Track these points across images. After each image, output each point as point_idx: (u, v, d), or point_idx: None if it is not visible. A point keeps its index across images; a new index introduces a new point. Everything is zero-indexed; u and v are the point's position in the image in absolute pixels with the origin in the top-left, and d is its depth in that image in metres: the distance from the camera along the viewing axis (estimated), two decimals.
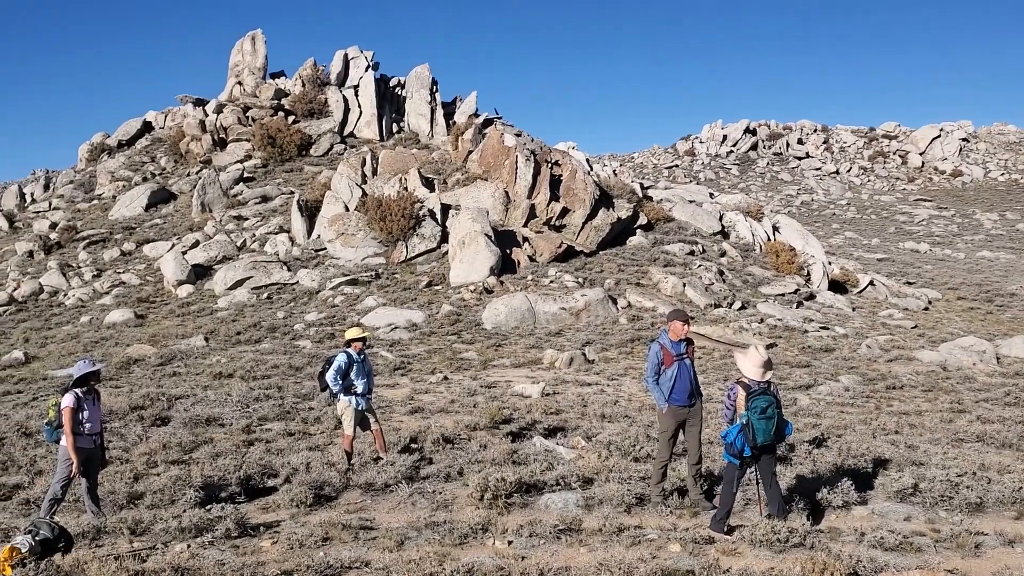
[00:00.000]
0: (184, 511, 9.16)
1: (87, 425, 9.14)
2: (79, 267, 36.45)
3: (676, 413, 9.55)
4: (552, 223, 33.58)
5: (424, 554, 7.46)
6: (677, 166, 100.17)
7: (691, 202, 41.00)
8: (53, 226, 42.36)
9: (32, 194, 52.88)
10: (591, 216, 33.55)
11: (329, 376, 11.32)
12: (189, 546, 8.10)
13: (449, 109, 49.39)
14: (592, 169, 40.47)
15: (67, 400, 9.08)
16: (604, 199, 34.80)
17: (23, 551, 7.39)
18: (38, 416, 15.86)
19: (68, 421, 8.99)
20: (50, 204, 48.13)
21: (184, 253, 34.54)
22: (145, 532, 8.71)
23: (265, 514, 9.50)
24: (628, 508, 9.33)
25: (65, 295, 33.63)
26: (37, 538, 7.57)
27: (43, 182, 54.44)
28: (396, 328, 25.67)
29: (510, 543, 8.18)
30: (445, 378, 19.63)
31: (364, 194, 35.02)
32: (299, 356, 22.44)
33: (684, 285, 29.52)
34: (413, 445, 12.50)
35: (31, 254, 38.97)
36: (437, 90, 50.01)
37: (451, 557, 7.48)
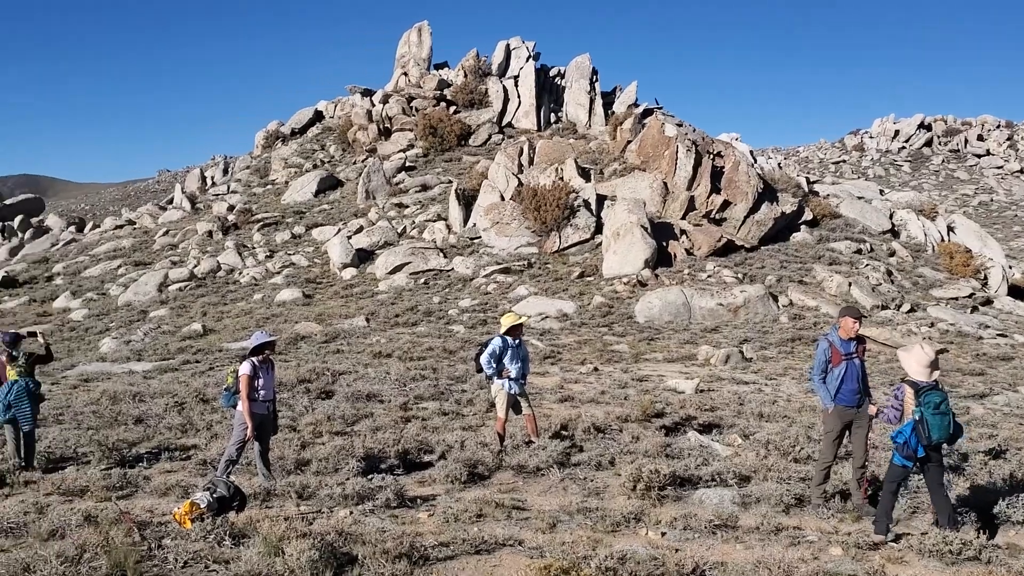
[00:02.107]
0: (347, 479, 9.55)
1: (261, 392, 9.66)
2: (253, 248, 38.58)
3: (842, 413, 9.17)
4: (711, 216, 32.84)
5: (577, 538, 7.46)
6: (844, 161, 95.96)
7: (859, 198, 39.14)
8: (231, 208, 45.02)
9: (212, 178, 56.46)
10: (753, 210, 32.60)
11: (483, 359, 11.49)
12: (351, 512, 8.42)
13: (608, 99, 49.14)
14: (755, 161, 39.32)
15: (244, 368, 9.61)
16: (767, 193, 33.72)
17: (202, 506, 7.88)
18: (214, 384, 16.90)
19: (244, 387, 9.52)
20: (228, 187, 51.18)
21: (349, 238, 35.96)
22: (311, 497, 9.13)
23: (421, 487, 9.76)
24: (786, 508, 9.02)
25: (240, 273, 35.66)
26: (215, 495, 8.06)
27: (222, 167, 58.00)
28: (547, 318, 25.81)
29: (663, 534, 8.07)
30: (595, 369, 19.58)
31: (520, 183, 35.35)
32: (453, 340, 22.92)
33: (850, 285, 28.26)
34: (564, 432, 12.53)
35: (210, 234, 41.54)
36: (597, 80, 49.84)
37: (603, 543, 7.45)
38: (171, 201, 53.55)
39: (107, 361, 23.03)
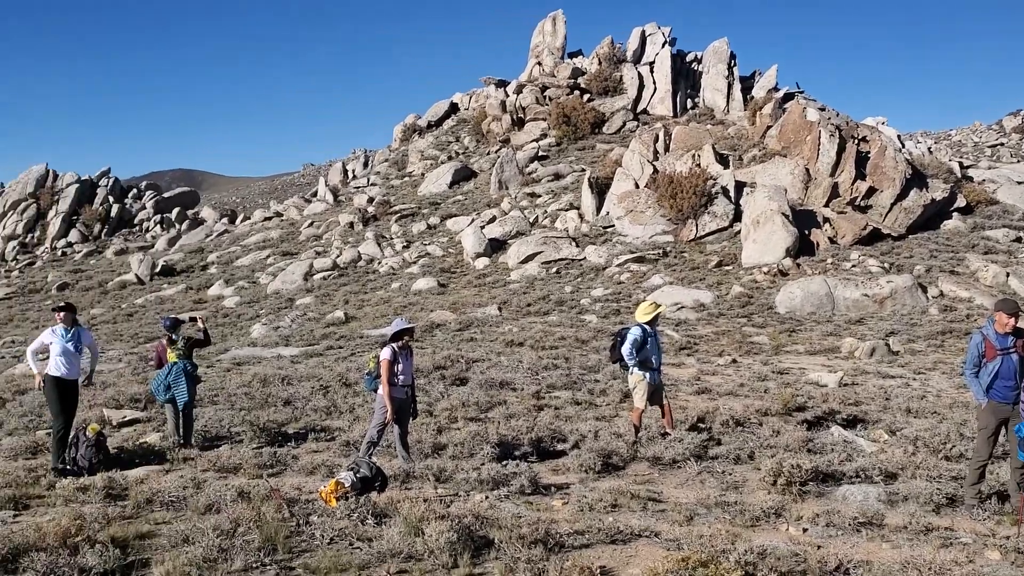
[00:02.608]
0: (482, 464, 9.70)
1: (401, 377, 9.92)
2: (391, 238, 39.68)
3: (997, 410, 8.66)
4: (856, 203, 31.52)
5: (715, 531, 7.32)
6: (1002, 144, 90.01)
7: (1020, 183, 36.67)
8: (370, 200, 46.41)
9: (353, 171, 58.30)
10: (901, 196, 31.09)
11: (625, 350, 11.37)
12: (487, 497, 8.55)
13: (747, 84, 47.84)
14: (903, 146, 37.47)
15: (385, 353, 9.90)
16: (916, 178, 32.08)
17: (346, 486, 8.17)
18: (356, 369, 17.48)
19: (385, 372, 9.81)
20: (368, 180, 52.74)
21: (482, 228, 36.44)
22: (448, 480, 9.32)
23: (555, 476, 9.80)
24: (937, 508, 8.57)
25: (379, 263, 36.75)
26: (358, 475, 8.34)
27: (363, 160, 59.83)
28: (682, 308, 25.41)
29: (804, 531, 7.80)
30: (734, 361, 19.14)
31: (655, 171, 34.90)
32: (585, 330, 22.88)
33: (1007, 275, 26.56)
34: (701, 425, 12.31)
35: (351, 225, 42.97)
36: (735, 64, 48.60)
37: (742, 537, 7.27)
38: (315, 194, 55.69)
39: (257, 346, 24.17)
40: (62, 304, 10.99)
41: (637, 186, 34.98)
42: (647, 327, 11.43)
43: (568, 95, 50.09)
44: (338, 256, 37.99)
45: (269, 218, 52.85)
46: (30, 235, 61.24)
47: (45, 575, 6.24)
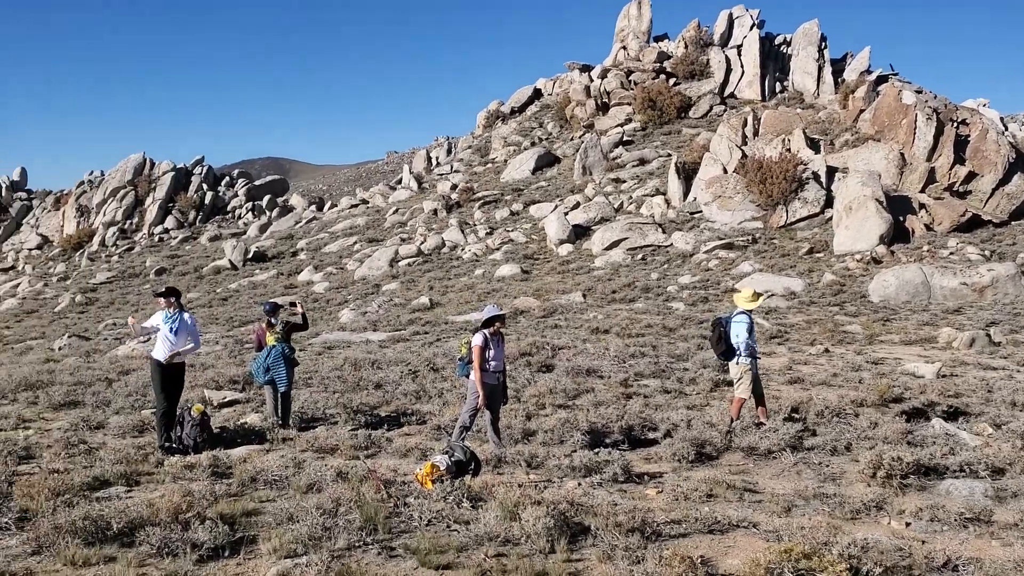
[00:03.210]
0: (573, 452, 9.72)
1: (492, 363, 9.99)
2: (475, 225, 39.93)
3: None
4: (954, 189, 30.42)
5: (815, 523, 7.19)
6: None
7: None
8: (453, 187, 46.78)
9: (437, 158, 58.81)
10: (1003, 181, 29.87)
11: (743, 337, 11.18)
12: (580, 484, 8.57)
13: (838, 66, 46.54)
14: (1006, 129, 35.96)
15: (476, 339, 9.98)
16: (1020, 162, 30.74)
17: (441, 469, 8.29)
18: (442, 355, 17.70)
19: (477, 357, 9.89)
20: (451, 167, 53.16)
21: (565, 214, 36.38)
22: (539, 466, 9.37)
23: (647, 464, 9.76)
24: None
25: (462, 249, 37.05)
26: (452, 459, 8.46)
27: (446, 147, 60.28)
28: (772, 295, 24.93)
29: (907, 525, 7.60)
30: (826, 350, 18.71)
31: (743, 156, 34.27)
32: (672, 317, 22.65)
33: None
34: (795, 415, 12.08)
35: (435, 212, 43.40)
36: (826, 47, 47.32)
37: (843, 530, 7.12)
38: (400, 181, 56.42)
39: (346, 330, 24.67)
40: (164, 289, 11.38)
41: (725, 171, 34.40)
42: (751, 315, 11.28)
43: (653, 79, 49.51)
44: (422, 243, 38.43)
45: (355, 205, 53.79)
46: (129, 221, 63.64)
47: (160, 549, 6.52)
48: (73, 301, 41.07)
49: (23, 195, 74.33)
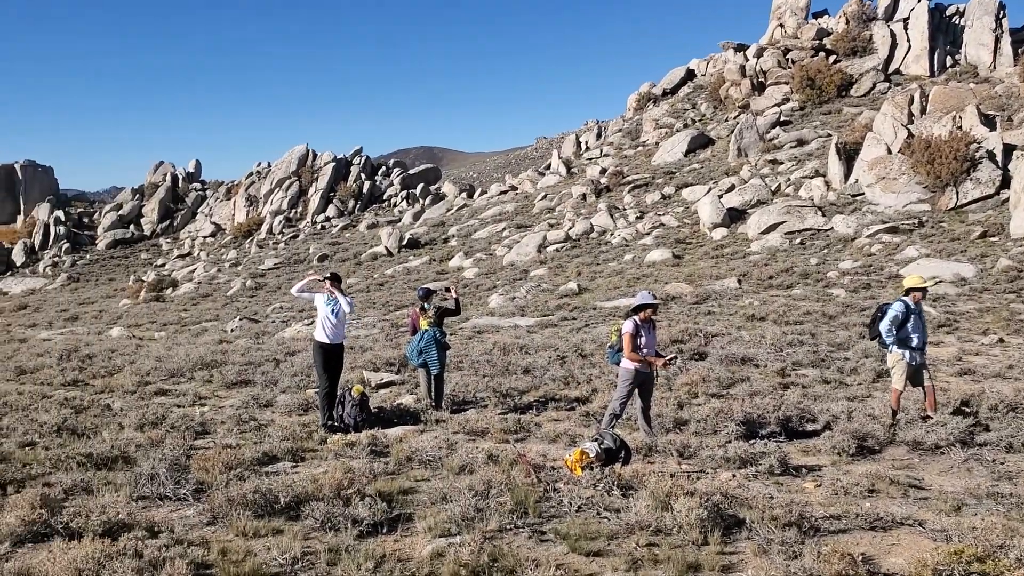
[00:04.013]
0: (728, 442, 9.48)
1: (644, 351, 9.88)
2: (624, 209, 39.61)
3: None
4: None
5: (988, 524, 6.73)
6: None
7: None
8: (603, 171, 46.54)
9: (586, 142, 58.64)
10: None
11: (883, 326, 10.68)
12: (734, 476, 8.37)
13: (1017, 36, 43.28)
14: None
15: (627, 326, 9.89)
16: None
17: (591, 456, 8.29)
18: (591, 340, 17.69)
19: (627, 344, 9.81)
20: (601, 151, 52.89)
21: (720, 197, 35.52)
22: (692, 456, 9.21)
23: (805, 457, 9.41)
24: None
25: (611, 234, 36.83)
26: (602, 446, 8.44)
27: (595, 131, 60.00)
28: (940, 282, 23.50)
29: None
30: (1000, 340, 17.46)
31: (909, 135, 32.42)
32: (832, 304, 21.74)
33: None
34: (965, 408, 11.34)
35: (584, 197, 43.32)
36: (1004, 16, 44.05)
37: (1020, 533, 6.64)
38: (548, 167, 56.65)
39: (495, 315, 25.04)
40: (329, 274, 11.89)
41: (889, 151, 32.66)
42: (911, 303, 10.66)
43: (812, 57, 47.55)
44: (571, 228, 38.45)
45: (504, 192, 54.43)
46: (293, 210, 66.88)
47: (323, 523, 6.83)
48: (243, 285, 43.59)
49: (198, 186, 79.46)
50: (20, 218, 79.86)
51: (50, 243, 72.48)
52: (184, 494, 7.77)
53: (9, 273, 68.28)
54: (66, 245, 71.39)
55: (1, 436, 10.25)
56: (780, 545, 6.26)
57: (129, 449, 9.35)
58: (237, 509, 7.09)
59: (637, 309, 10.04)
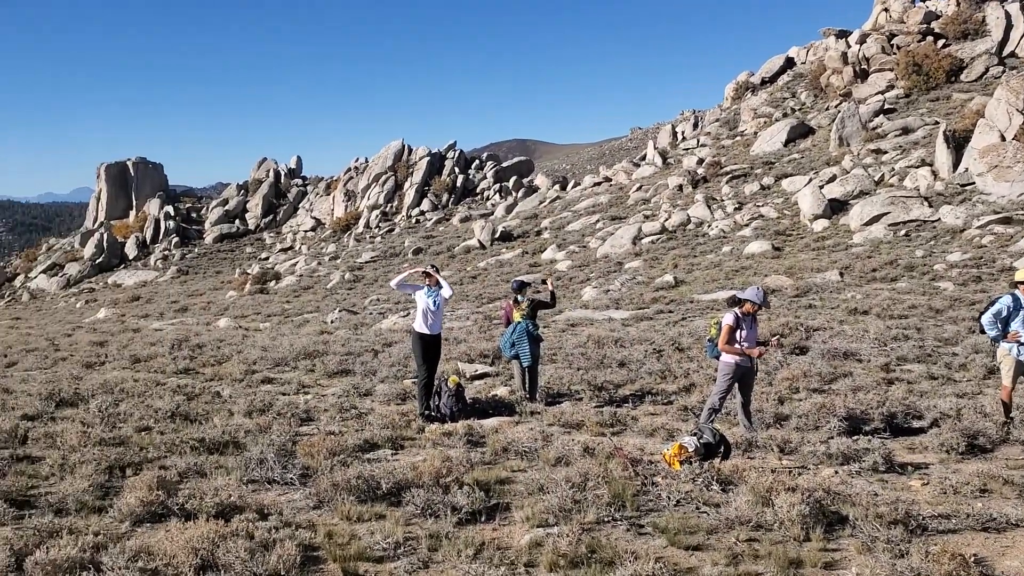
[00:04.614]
0: (830, 438, 9.28)
1: (744, 344, 9.72)
2: (722, 200, 38.94)
3: None
4: None
5: None
6: None
7: None
8: (700, 162, 45.85)
9: (682, 132, 57.87)
10: None
11: (986, 319, 10.24)
12: (836, 472, 8.18)
13: None
14: None
15: (727, 319, 9.75)
16: None
17: (690, 450, 8.23)
18: (688, 334, 17.49)
19: (724, 336, 9.68)
20: (698, 141, 52.12)
21: (821, 187, 34.57)
22: (793, 452, 9.03)
23: (911, 454, 9.13)
24: None
25: (709, 226, 36.27)
26: (701, 440, 8.36)
27: (692, 121, 59.17)
28: None
29: None
30: None
31: None
32: (939, 298, 20.94)
33: None
34: None
35: (680, 188, 42.77)
36: None
37: None
38: (643, 158, 56.16)
39: (588, 308, 24.99)
40: (431, 267, 12.09)
41: (1003, 138, 31.18)
42: (1021, 296, 10.18)
43: (919, 42, 45.74)
44: (666, 219, 38.01)
45: (598, 183, 54.19)
46: (389, 204, 68.07)
47: (424, 509, 6.99)
48: (342, 278, 44.64)
49: (299, 182, 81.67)
50: (132, 213, 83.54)
51: (160, 237, 75.64)
52: (291, 478, 8.05)
53: (123, 266, 71.58)
54: (175, 239, 74.39)
55: (119, 421, 10.78)
56: (885, 543, 6.11)
57: (239, 435, 9.73)
58: (341, 494, 7.31)
59: (740, 302, 9.90)
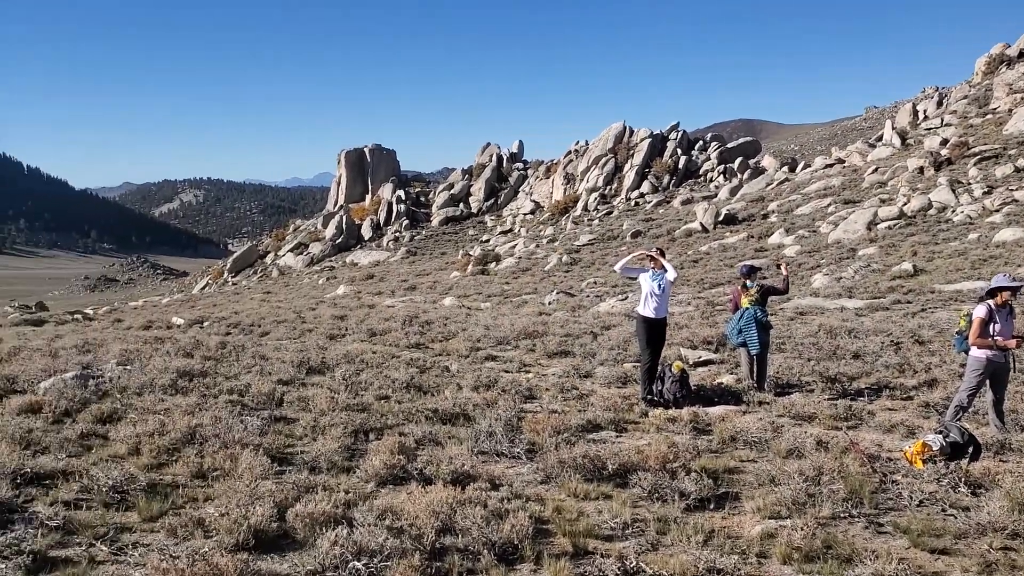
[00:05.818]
0: None
1: (998, 338, 8.95)
2: (968, 183, 35.93)
3: None
4: None
5: None
6: None
7: None
8: (944, 142, 42.50)
9: (924, 111, 53.86)
10: None
11: None
12: None
13: None
14: None
15: (980, 310, 9.01)
16: None
17: (934, 449, 7.70)
18: (928, 326, 16.31)
19: (975, 330, 8.94)
20: (942, 120, 48.34)
21: None
22: None
23: None
24: None
25: (952, 211, 33.59)
26: (947, 439, 7.80)
27: (936, 99, 54.92)
28: None
29: None
30: None
31: None
32: None
33: None
34: None
35: (921, 170, 39.87)
36: None
37: None
38: (880, 138, 52.78)
39: (819, 296, 23.88)
40: (656, 249, 12.00)
41: None
42: None
43: None
44: (905, 204, 35.54)
45: (830, 165, 51.54)
46: (608, 187, 68.21)
47: (651, 492, 6.99)
48: (560, 261, 45.27)
49: (520, 165, 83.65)
50: (368, 197, 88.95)
51: (392, 219, 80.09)
52: (518, 452, 8.30)
53: (359, 246, 76.46)
54: (405, 221, 78.51)
55: (361, 389, 11.55)
56: None
57: (468, 408, 10.15)
58: (568, 471, 7.46)
59: (992, 292, 9.12)
